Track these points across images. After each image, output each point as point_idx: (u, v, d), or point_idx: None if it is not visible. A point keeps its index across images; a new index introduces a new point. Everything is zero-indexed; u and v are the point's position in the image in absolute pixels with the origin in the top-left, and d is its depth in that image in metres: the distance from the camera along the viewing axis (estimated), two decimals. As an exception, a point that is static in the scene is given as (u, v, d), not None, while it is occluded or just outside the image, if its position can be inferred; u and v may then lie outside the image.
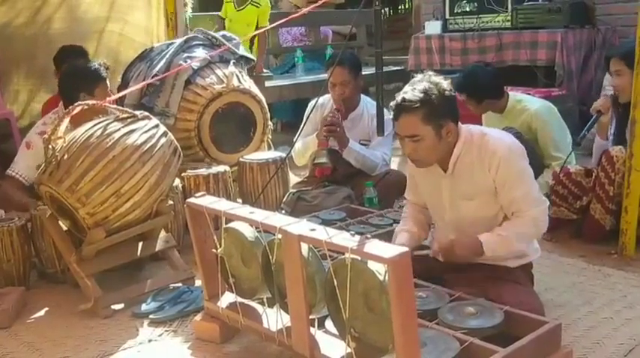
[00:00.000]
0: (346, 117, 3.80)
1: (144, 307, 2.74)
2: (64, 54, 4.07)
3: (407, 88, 2.32)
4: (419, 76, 2.36)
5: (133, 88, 3.62)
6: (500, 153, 2.33)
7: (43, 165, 2.72)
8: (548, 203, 2.45)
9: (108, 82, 3.31)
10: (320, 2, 4.00)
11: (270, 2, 6.31)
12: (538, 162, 3.62)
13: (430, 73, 2.39)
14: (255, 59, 4.37)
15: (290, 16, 4.15)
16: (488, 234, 2.34)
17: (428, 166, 2.43)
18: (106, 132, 2.72)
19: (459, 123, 2.42)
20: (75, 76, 3.27)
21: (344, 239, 1.81)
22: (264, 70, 6.18)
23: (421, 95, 2.26)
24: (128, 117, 2.86)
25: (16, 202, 3.27)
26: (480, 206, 2.41)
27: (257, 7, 5.89)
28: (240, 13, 5.89)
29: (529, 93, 4.34)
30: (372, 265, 1.78)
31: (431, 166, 2.45)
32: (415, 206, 2.68)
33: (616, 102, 3.26)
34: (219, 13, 6.09)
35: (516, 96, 3.80)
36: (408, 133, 2.31)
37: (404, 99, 2.28)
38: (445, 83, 2.34)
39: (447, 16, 5.97)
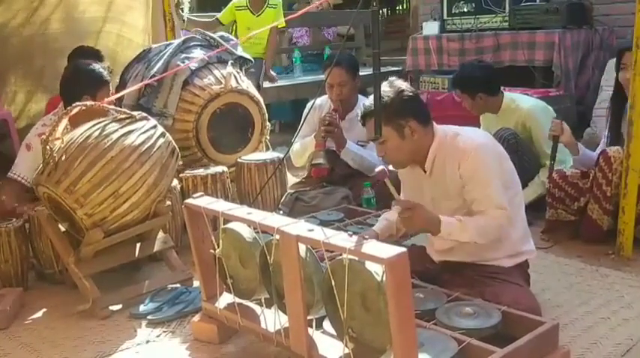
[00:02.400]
0: (344, 117, 3.81)
1: (142, 308, 2.75)
2: (79, 54, 3.98)
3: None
4: (385, 83, 2.43)
5: (131, 88, 3.61)
6: (469, 151, 2.34)
7: (41, 165, 2.72)
8: (509, 211, 2.32)
9: (110, 85, 3.31)
10: (318, 3, 4.01)
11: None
12: (535, 162, 3.63)
13: (392, 78, 2.47)
14: (253, 60, 4.35)
15: (289, 16, 4.15)
16: (449, 217, 2.32)
17: (402, 167, 2.53)
18: (104, 133, 2.73)
19: (435, 124, 2.45)
20: (79, 77, 3.22)
21: (342, 239, 1.81)
22: (272, 73, 6.12)
23: None
24: (126, 118, 2.86)
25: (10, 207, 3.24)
26: (459, 206, 2.40)
27: (274, 8, 5.83)
28: (260, 19, 5.79)
29: (527, 94, 4.34)
30: (370, 266, 1.78)
31: (413, 168, 2.50)
32: None
33: (614, 99, 3.28)
34: (217, 17, 5.97)
35: (511, 95, 3.80)
36: (373, 137, 2.39)
37: (365, 107, 2.48)
38: (404, 85, 2.42)
39: (445, 17, 5.96)
